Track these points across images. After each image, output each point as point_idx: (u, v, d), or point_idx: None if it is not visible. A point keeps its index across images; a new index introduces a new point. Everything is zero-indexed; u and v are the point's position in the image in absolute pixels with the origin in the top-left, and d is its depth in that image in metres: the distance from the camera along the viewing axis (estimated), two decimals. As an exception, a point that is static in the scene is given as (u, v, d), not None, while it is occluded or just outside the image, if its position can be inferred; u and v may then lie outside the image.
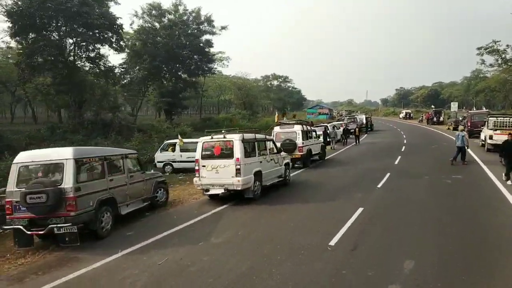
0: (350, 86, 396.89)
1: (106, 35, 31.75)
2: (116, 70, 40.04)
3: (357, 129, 31.90)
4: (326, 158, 22.34)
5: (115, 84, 38.80)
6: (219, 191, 11.10)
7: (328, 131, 29.54)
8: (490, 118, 22.18)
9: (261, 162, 12.12)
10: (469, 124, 30.01)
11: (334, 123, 36.82)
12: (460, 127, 18.00)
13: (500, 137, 20.54)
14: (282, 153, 14.91)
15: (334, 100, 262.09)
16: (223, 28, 46.70)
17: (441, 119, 51.08)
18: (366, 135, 39.92)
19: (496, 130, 20.82)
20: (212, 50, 51.12)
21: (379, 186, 13.08)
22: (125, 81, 45.54)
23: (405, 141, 30.28)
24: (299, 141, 18.07)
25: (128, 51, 43.24)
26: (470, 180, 13.59)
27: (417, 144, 27.58)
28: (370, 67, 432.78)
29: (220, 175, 11.00)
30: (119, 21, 32.04)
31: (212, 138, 11.50)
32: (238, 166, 10.78)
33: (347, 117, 43.02)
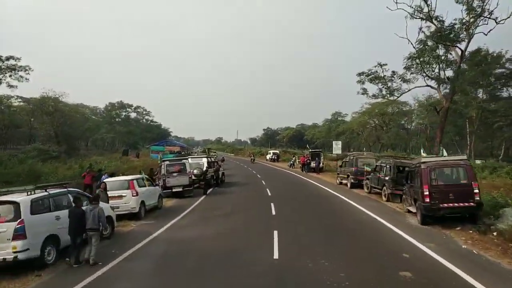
0: (222, 125, 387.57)
1: None
2: None
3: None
4: None
5: None
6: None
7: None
8: None
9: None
10: (426, 194, 11.24)
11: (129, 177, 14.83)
12: None
13: None
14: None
15: (205, 138, 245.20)
16: None
17: (321, 165, 33.99)
18: (202, 198, 19.02)
19: None
20: None
21: None
22: None
23: (276, 246, 9.66)
24: None
25: None
26: None
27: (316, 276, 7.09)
28: (241, 107, 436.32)
29: None
30: None
31: None
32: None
33: (166, 161, 20.80)
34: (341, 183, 23.72)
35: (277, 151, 61.21)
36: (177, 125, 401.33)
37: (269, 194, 19.96)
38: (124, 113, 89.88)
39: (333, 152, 34.26)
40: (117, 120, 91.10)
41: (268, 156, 61.64)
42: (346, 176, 22.59)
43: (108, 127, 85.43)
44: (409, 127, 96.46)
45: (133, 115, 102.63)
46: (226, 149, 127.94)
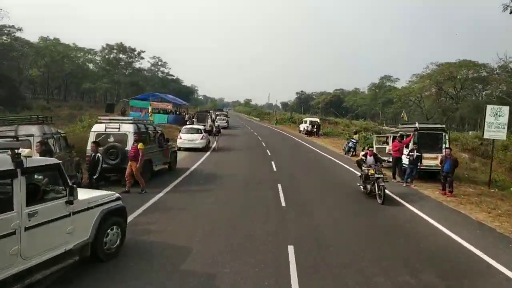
0: (255, 88, 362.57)
1: None
2: None
3: None
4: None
5: None
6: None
7: None
8: None
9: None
10: None
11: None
12: None
13: None
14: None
15: (235, 100, 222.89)
16: None
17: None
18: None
19: None
20: None
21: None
22: None
23: None
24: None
25: None
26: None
27: None
28: (274, 69, 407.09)
29: None
30: None
31: None
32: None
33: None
34: None
35: (317, 120, 38.91)
36: (210, 87, 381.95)
37: None
38: (125, 59, 69.23)
39: (485, 135, 12.31)
40: (123, 69, 71.25)
41: (301, 127, 39.61)
42: None
43: (104, 74, 65.94)
44: (479, 97, 69.93)
45: (145, 65, 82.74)
46: (251, 112, 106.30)
